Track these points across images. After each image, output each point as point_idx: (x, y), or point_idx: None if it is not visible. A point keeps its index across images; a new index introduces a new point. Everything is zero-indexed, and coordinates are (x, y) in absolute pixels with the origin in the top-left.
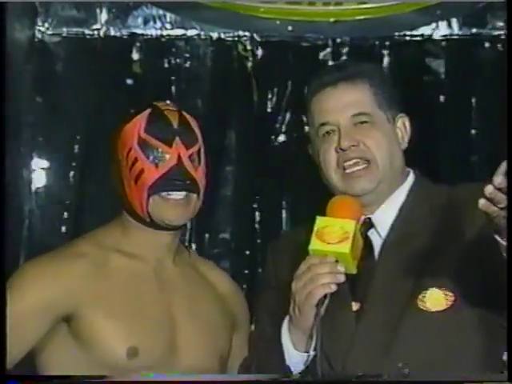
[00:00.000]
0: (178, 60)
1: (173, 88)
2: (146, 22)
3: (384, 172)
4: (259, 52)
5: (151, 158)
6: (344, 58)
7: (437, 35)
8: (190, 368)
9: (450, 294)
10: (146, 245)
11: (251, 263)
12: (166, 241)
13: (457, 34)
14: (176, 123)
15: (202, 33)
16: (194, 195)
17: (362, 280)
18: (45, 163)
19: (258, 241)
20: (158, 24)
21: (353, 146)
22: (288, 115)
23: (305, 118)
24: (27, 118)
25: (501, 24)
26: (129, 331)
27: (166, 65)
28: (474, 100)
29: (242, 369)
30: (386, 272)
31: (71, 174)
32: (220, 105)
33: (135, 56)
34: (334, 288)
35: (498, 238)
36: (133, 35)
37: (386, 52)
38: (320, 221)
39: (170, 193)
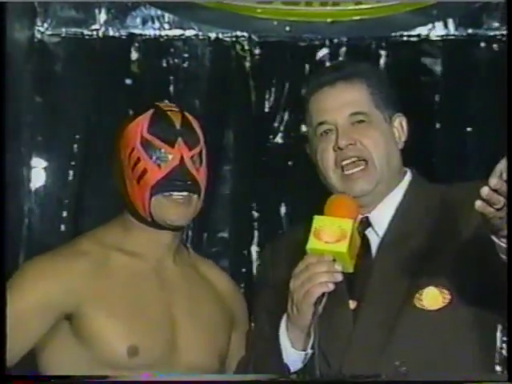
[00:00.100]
0: (176, 60)
1: (171, 88)
2: (144, 22)
3: (381, 172)
4: (257, 52)
5: (154, 158)
6: (341, 58)
7: (433, 35)
8: (190, 366)
9: (447, 292)
10: (147, 244)
11: (249, 262)
12: (166, 240)
13: (453, 35)
14: (179, 124)
15: (200, 33)
16: (195, 196)
17: (360, 278)
18: (44, 162)
19: (257, 240)
20: (157, 24)
21: (350, 144)
22: (286, 115)
23: (302, 117)
24: (27, 117)
25: (496, 24)
26: (129, 330)
27: (165, 65)
28: (470, 100)
29: (240, 367)
30: (383, 271)
31: (70, 173)
32: (218, 104)
33: (134, 56)
34: (331, 287)
35: (494, 238)
36: (131, 35)
37: (382, 52)
38: (318, 220)
39: (172, 193)
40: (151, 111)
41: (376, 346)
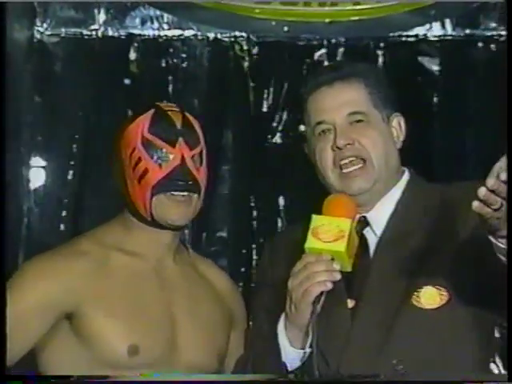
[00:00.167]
0: (175, 60)
1: (170, 88)
2: (143, 22)
3: (380, 171)
4: (255, 52)
5: (155, 157)
6: (339, 58)
7: (431, 36)
8: (189, 365)
9: (444, 291)
10: (147, 244)
11: (248, 261)
12: (166, 240)
13: (450, 35)
14: (179, 124)
15: (199, 33)
16: (195, 195)
17: (358, 278)
18: (43, 162)
19: (255, 239)
20: (156, 24)
21: (348, 144)
22: (284, 115)
23: (301, 117)
24: (26, 117)
25: (494, 25)
26: (129, 329)
27: (164, 65)
28: (467, 100)
29: (238, 366)
30: (381, 270)
31: (70, 172)
32: (217, 104)
33: (133, 56)
34: (329, 286)
35: (491, 238)
36: (130, 35)
37: (380, 52)
38: (316, 219)
39: (173, 193)
40: (152, 111)
41: (374, 344)
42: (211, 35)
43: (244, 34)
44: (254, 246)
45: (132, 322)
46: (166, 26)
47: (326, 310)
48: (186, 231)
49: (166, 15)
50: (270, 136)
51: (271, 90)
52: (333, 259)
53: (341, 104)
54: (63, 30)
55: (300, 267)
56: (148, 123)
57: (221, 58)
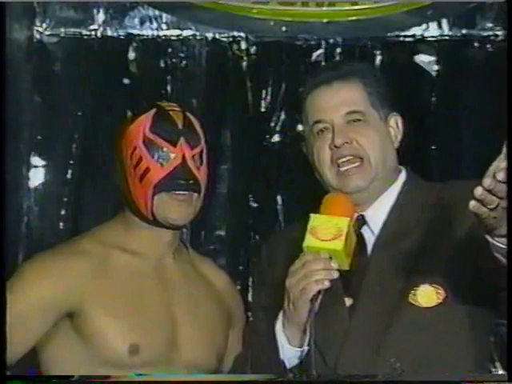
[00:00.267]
0: (173, 60)
1: (169, 87)
2: (142, 22)
3: (377, 170)
4: (254, 52)
5: (156, 157)
6: (337, 58)
7: (428, 36)
8: (189, 364)
9: (441, 290)
10: (148, 242)
11: (246, 260)
12: (167, 239)
13: (447, 35)
14: (181, 124)
15: (198, 33)
16: (196, 194)
17: (355, 276)
18: (43, 161)
19: (253, 238)
20: (154, 24)
21: (346, 143)
22: (282, 114)
23: (299, 117)
24: (26, 117)
25: (490, 25)
26: (130, 328)
27: (162, 64)
28: (464, 99)
29: (237, 363)
30: (379, 268)
31: (69, 172)
32: (215, 104)
33: (132, 56)
34: (327, 284)
35: (488, 237)
36: (129, 35)
37: (377, 52)
38: (314, 218)
39: (174, 192)
40: (153, 111)
41: (371, 342)
42: (210, 35)
43: (242, 34)
44: (252, 244)
45: (133, 321)
46: (164, 26)
47: (324, 308)
48: (185, 230)
49: (164, 15)
50: (268, 135)
51: (269, 89)
52: (331, 258)
53: (339, 103)
54: (63, 30)
55: (298, 266)
56: (149, 122)
57: (219, 57)
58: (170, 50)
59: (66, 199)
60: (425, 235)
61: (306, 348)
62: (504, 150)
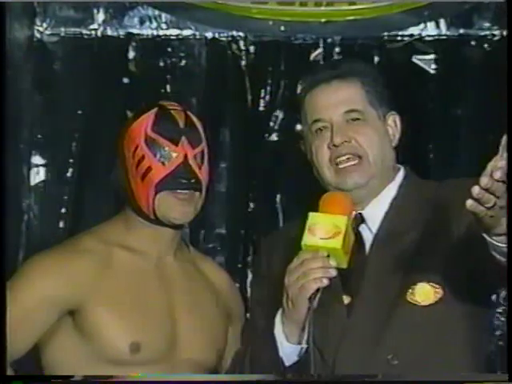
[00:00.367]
0: (173, 59)
1: (168, 86)
2: (142, 22)
3: (375, 168)
4: (253, 51)
5: (158, 156)
6: (335, 57)
7: (425, 35)
8: (190, 362)
9: (439, 288)
10: (149, 241)
11: (245, 258)
12: (168, 237)
13: (445, 34)
14: (182, 123)
15: (197, 33)
16: (197, 193)
17: (354, 274)
18: (43, 160)
19: (252, 236)
20: (154, 24)
21: (345, 142)
22: (281, 113)
23: (298, 115)
24: (26, 116)
25: (487, 24)
26: (131, 327)
27: (162, 64)
28: (462, 98)
29: (235, 360)
30: (377, 266)
31: (69, 170)
32: (214, 103)
33: (131, 55)
34: (326, 282)
35: (486, 236)
36: (129, 35)
37: (376, 51)
38: (312, 216)
39: (175, 191)
40: (155, 110)
41: (369, 339)
42: (209, 35)
43: (241, 34)
44: (251, 242)
45: (134, 320)
46: (164, 26)
47: (322, 305)
48: (185, 228)
49: (164, 15)
50: (267, 134)
51: (268, 88)
52: (329, 256)
53: (338, 102)
54: (63, 29)
55: (297, 264)
56: (151, 122)
57: (218, 57)
58: (169, 49)
59: (66, 198)
60: (423, 233)
61: (304, 345)
62: (501, 149)
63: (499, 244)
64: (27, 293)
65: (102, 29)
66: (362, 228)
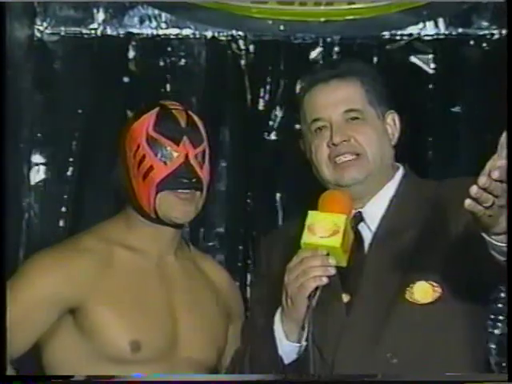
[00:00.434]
0: (173, 58)
1: (168, 86)
2: (141, 21)
3: (374, 165)
4: (252, 51)
5: (159, 155)
6: (334, 56)
7: (424, 35)
8: (190, 360)
9: (437, 286)
10: (150, 240)
11: (245, 256)
12: (169, 236)
13: (443, 34)
14: (184, 123)
15: (197, 32)
16: (199, 193)
17: (353, 272)
18: (43, 159)
19: (252, 235)
20: (154, 23)
21: (344, 141)
22: (281, 112)
23: (297, 115)
24: (26, 115)
25: (486, 24)
26: (132, 325)
27: (162, 63)
28: (460, 97)
29: (235, 358)
30: (376, 265)
31: (69, 169)
32: (214, 102)
33: (131, 54)
34: (325, 280)
35: (485, 235)
36: (129, 34)
37: (375, 51)
38: (312, 215)
39: (177, 190)
40: (157, 109)
41: (368, 337)
42: (209, 34)
43: (241, 33)
44: (250, 241)
45: (134, 318)
46: (164, 25)
47: (322, 304)
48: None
49: (164, 14)
50: (266, 133)
51: (268, 87)
52: (328, 254)
53: (337, 101)
54: (63, 28)
55: (296, 262)
56: (153, 121)
57: (218, 56)
58: (169, 48)
59: (66, 197)
60: (422, 232)
61: (303, 343)
62: (499, 148)
63: (498, 243)
64: (28, 292)
65: (101, 28)
66: (361, 226)
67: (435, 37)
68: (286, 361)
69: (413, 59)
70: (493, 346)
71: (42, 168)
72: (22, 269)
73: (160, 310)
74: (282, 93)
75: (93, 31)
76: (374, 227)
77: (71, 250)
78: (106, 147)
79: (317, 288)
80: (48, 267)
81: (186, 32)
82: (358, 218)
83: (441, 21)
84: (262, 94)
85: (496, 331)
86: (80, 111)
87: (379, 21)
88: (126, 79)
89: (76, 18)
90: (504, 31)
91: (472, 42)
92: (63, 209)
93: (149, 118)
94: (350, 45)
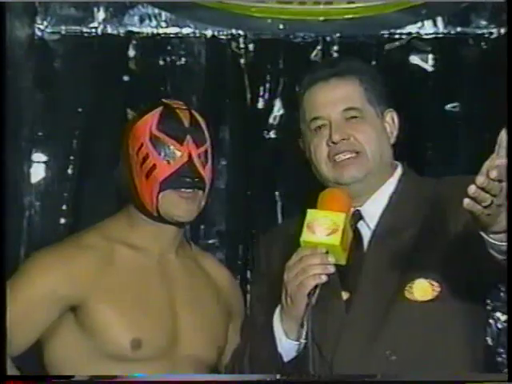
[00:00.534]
0: (173, 57)
1: (168, 84)
2: (141, 20)
3: (373, 163)
4: (252, 49)
5: (163, 154)
6: (334, 55)
7: (423, 33)
8: (191, 358)
9: (437, 284)
10: (152, 238)
11: (245, 255)
12: (170, 234)
13: (442, 33)
14: (187, 122)
15: (197, 31)
16: (201, 192)
17: (352, 270)
18: (44, 157)
19: (252, 233)
20: (154, 22)
21: (343, 139)
22: (280, 111)
23: (296, 113)
24: (27, 113)
25: (484, 23)
26: (133, 323)
27: (162, 62)
28: (459, 96)
29: (235, 356)
30: (375, 263)
31: (70, 168)
32: (214, 101)
33: (131, 53)
34: (324, 278)
35: (483, 234)
36: (129, 33)
37: (374, 50)
38: (311, 213)
39: (180, 189)
40: (160, 108)
41: (368, 335)
42: (208, 33)
43: (241, 32)
44: (250, 239)
45: (135, 316)
46: (164, 24)
47: (321, 301)
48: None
49: (163, 13)
50: (266, 131)
51: (267, 86)
52: (327, 252)
53: (336, 99)
54: (63, 27)
55: (295, 260)
56: (156, 120)
57: (218, 55)
58: (169, 47)
59: (66, 194)
60: (420, 230)
61: (303, 341)
62: (496, 147)
63: (496, 242)
64: (29, 290)
65: (102, 27)
66: (361, 225)
67: (434, 36)
68: (286, 358)
69: (411, 58)
70: (492, 345)
71: (43, 166)
72: (23, 267)
73: (161, 308)
74: (282, 91)
75: (93, 30)
76: (373, 225)
77: (72, 247)
78: (106, 145)
79: (316, 286)
80: (49, 265)
81: (186, 31)
82: (357, 216)
83: (439, 20)
84: (261, 93)
85: (495, 330)
86: (80, 110)
87: (378, 20)
88: (126, 78)
89: (76, 17)
90: (502, 30)
91: (470, 41)
92: (64, 207)
93: (152, 117)
94: (349, 44)
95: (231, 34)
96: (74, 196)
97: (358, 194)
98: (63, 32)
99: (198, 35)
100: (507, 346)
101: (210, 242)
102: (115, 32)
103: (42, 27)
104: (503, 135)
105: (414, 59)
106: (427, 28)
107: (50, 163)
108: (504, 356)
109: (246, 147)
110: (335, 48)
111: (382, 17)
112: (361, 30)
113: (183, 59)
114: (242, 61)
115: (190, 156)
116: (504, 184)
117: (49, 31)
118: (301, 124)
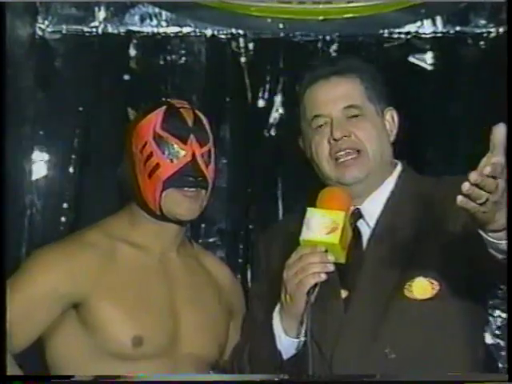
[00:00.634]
0: (173, 56)
1: (168, 83)
2: (142, 19)
3: (374, 162)
4: (252, 49)
5: (166, 153)
6: (333, 54)
7: (422, 33)
8: (191, 356)
9: (436, 283)
10: (153, 236)
11: (245, 253)
12: (172, 233)
13: (441, 32)
14: (191, 121)
15: (197, 30)
16: (204, 191)
17: (351, 269)
18: (45, 156)
19: (252, 231)
20: (154, 22)
21: (345, 136)
22: (280, 109)
23: (297, 111)
24: (28, 112)
25: (483, 22)
26: (134, 321)
27: (162, 61)
28: (458, 95)
29: (234, 353)
30: (374, 261)
31: (70, 166)
32: (214, 100)
33: (132, 52)
34: (324, 277)
35: (482, 232)
36: (130, 32)
37: (373, 48)
38: (310, 212)
39: (183, 188)
40: (164, 108)
41: (367, 333)
42: (209, 32)
43: (241, 31)
44: (251, 237)
45: (137, 314)
46: (164, 24)
47: (320, 300)
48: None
49: (164, 13)
50: (266, 130)
51: (267, 85)
52: (327, 251)
53: (337, 97)
54: (64, 27)
55: (295, 259)
56: (160, 119)
57: (218, 54)
58: (169, 46)
59: (67, 193)
60: (420, 229)
61: (302, 339)
62: (491, 145)
63: (495, 241)
64: (30, 287)
65: (102, 26)
66: (360, 223)
67: (433, 35)
68: (285, 356)
69: (411, 57)
70: (492, 344)
71: (44, 165)
72: (24, 264)
73: (162, 306)
74: (282, 90)
75: (94, 29)
76: (372, 224)
77: (74, 245)
78: (107, 144)
79: (316, 284)
80: (51, 262)
81: (187, 30)
82: (357, 215)
83: (438, 19)
84: (261, 92)
85: (495, 329)
86: (81, 109)
87: (377, 19)
88: (126, 77)
89: (77, 16)
90: (501, 29)
91: (469, 40)
92: (65, 205)
93: (156, 116)
94: (348, 43)
95: (231, 34)
96: (74, 194)
97: (359, 193)
98: (64, 31)
99: (198, 34)
100: (507, 345)
101: (211, 240)
102: (116, 31)
103: (42, 26)
104: (495, 132)
105: (414, 58)
106: (426, 27)
107: (51, 162)
108: (504, 355)
109: (247, 146)
110: (335, 47)
111: (382, 16)
112: (360, 29)
113: (183, 58)
114: (242, 60)
115: (193, 155)
116: (500, 181)
117: (50, 30)
118: (301, 122)
